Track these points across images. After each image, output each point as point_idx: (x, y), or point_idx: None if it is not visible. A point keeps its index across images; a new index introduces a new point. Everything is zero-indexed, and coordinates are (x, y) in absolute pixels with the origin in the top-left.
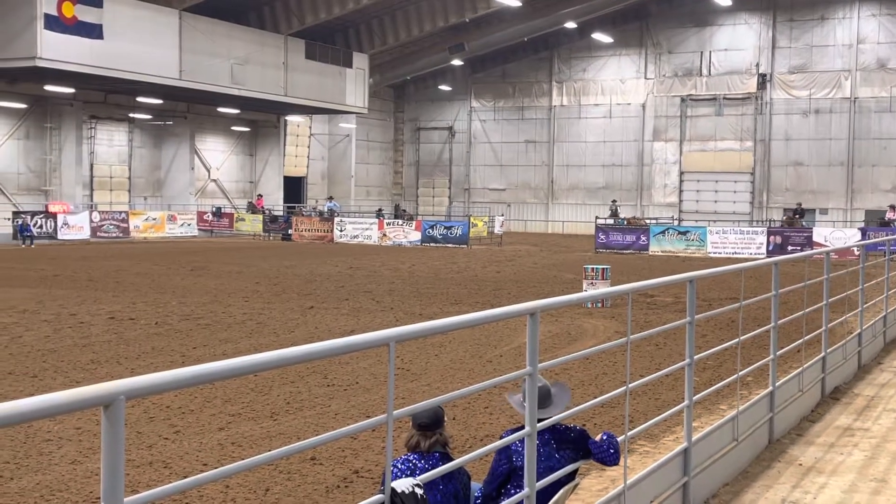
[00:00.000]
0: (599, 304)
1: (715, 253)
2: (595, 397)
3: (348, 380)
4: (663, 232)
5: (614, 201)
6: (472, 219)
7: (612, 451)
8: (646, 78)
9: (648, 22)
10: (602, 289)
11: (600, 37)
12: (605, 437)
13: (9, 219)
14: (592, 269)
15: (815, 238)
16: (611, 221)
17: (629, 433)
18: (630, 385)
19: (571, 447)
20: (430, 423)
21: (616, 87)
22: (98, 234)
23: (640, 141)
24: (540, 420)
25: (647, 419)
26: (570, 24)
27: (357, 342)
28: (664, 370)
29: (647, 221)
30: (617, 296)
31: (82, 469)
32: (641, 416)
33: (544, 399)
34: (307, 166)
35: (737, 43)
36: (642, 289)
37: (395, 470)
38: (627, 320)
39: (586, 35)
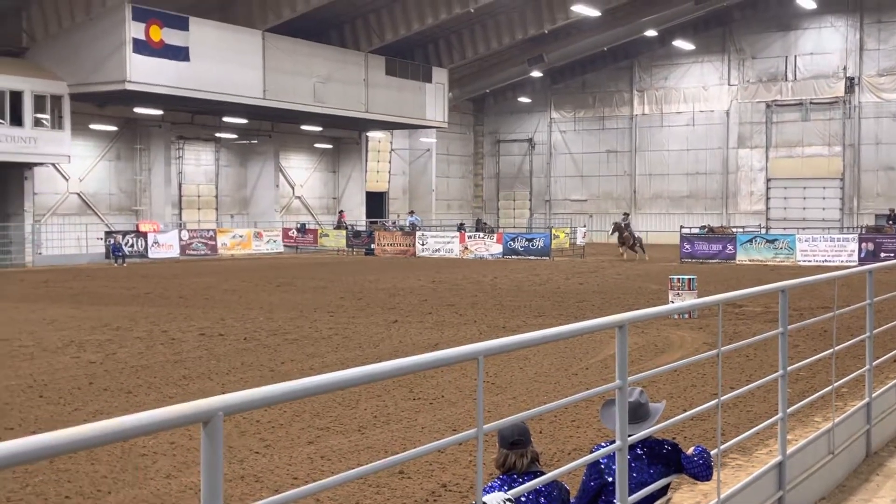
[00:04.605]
0: (686, 315)
1: (804, 261)
2: (685, 410)
3: (434, 393)
4: (751, 240)
5: (626, 214)
6: (553, 230)
7: (704, 465)
8: (729, 84)
9: (731, 28)
10: (690, 300)
11: (681, 44)
12: (697, 451)
13: (101, 238)
14: (678, 279)
15: None
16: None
17: (721, 447)
18: (722, 397)
19: (663, 461)
20: (523, 439)
21: (699, 94)
22: (187, 251)
23: (724, 148)
24: (631, 434)
25: (739, 432)
26: (651, 33)
27: (446, 356)
28: (756, 382)
29: (734, 230)
30: (704, 307)
31: (177, 483)
32: (733, 428)
33: (643, 414)
34: (388, 181)
35: (823, 46)
36: (733, 299)
37: (495, 490)
38: (718, 332)
39: (667, 43)
